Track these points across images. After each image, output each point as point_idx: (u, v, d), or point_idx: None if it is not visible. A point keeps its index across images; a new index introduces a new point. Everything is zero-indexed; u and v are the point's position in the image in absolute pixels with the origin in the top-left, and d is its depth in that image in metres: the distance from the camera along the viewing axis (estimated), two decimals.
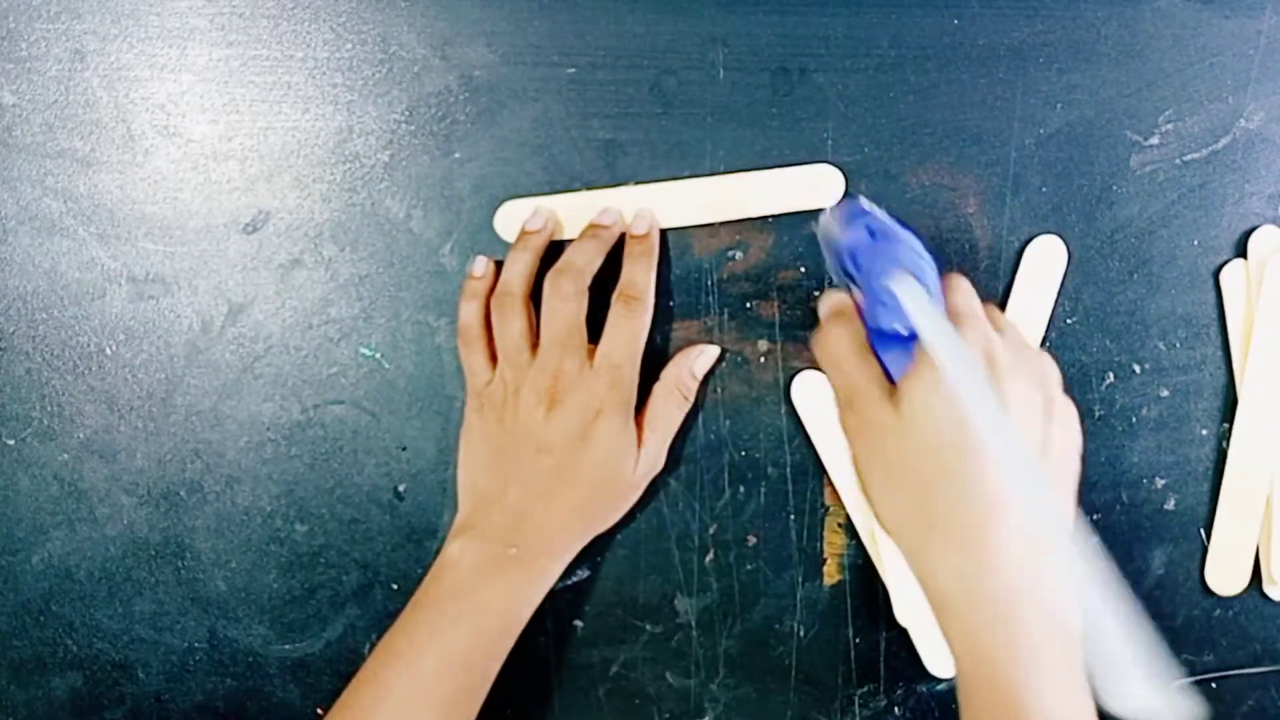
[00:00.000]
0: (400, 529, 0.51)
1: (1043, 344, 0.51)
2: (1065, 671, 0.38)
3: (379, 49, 0.49)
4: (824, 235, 0.46)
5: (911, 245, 0.42)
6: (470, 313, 0.49)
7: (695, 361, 0.50)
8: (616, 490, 0.49)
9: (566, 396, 0.46)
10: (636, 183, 0.49)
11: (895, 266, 0.41)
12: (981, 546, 0.39)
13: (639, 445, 0.48)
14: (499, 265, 0.49)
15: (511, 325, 0.47)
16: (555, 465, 0.46)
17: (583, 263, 0.47)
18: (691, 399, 0.50)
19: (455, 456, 0.50)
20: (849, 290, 0.45)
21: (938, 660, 0.51)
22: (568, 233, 0.50)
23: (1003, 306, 0.50)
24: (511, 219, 0.49)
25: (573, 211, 0.49)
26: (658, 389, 0.49)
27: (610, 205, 0.49)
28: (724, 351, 0.50)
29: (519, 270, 0.48)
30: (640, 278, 0.48)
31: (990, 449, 0.38)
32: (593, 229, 0.48)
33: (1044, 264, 0.50)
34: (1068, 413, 0.43)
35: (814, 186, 0.49)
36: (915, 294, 0.40)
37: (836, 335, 0.44)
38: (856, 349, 0.43)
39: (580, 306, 0.47)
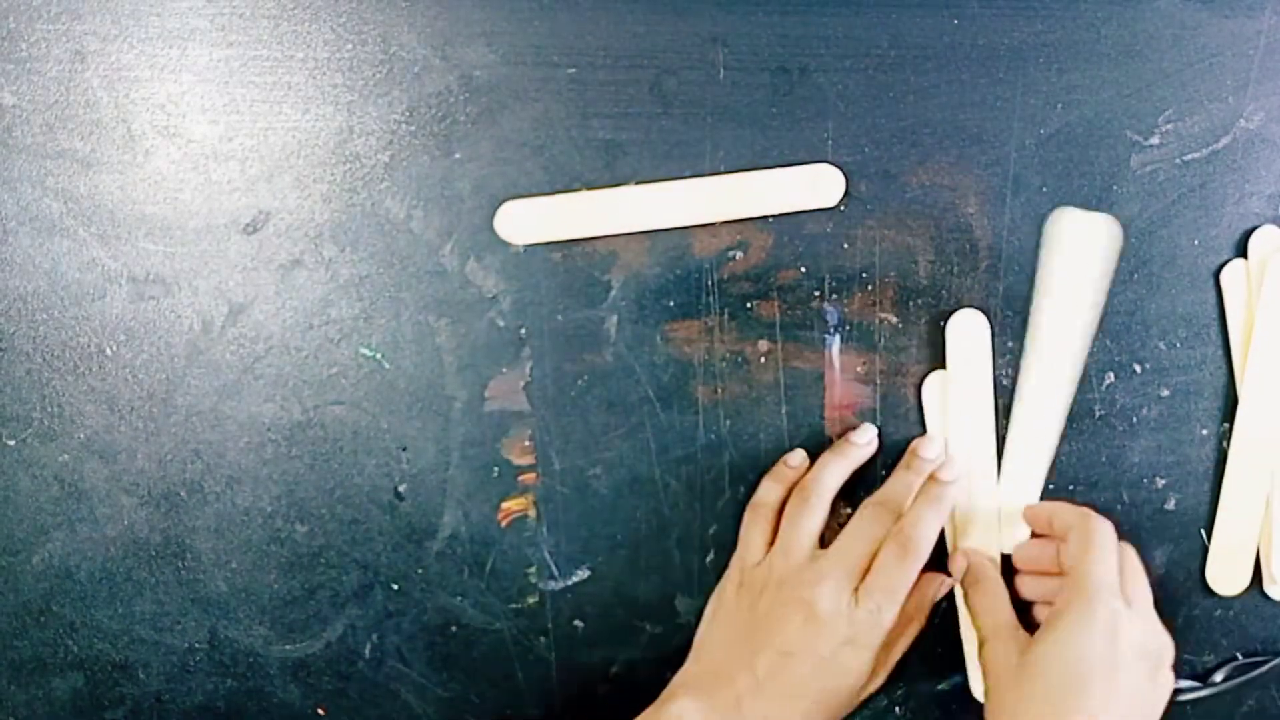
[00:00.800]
0: (400, 529, 0.51)
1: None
2: None
3: (379, 49, 0.49)
4: None
5: None
6: (771, 490, 0.50)
7: (934, 589, 0.50)
8: (837, 713, 0.48)
9: (827, 617, 0.46)
10: (637, 182, 0.49)
11: None
12: None
13: (871, 677, 0.48)
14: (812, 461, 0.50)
15: (811, 519, 0.48)
16: (794, 673, 0.46)
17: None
18: (922, 622, 0.50)
19: (452, 460, 0.50)
20: None
21: None
22: (570, 233, 0.50)
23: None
24: (512, 219, 0.49)
25: (573, 211, 0.49)
26: (899, 617, 0.48)
27: (938, 446, 0.50)
28: (728, 353, 0.50)
29: (836, 473, 0.49)
30: (929, 525, 0.48)
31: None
32: (916, 461, 0.50)
33: (1100, 247, 0.50)
34: (1165, 686, 0.46)
35: (814, 186, 0.49)
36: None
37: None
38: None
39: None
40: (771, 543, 0.49)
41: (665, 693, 0.47)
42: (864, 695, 0.49)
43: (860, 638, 0.46)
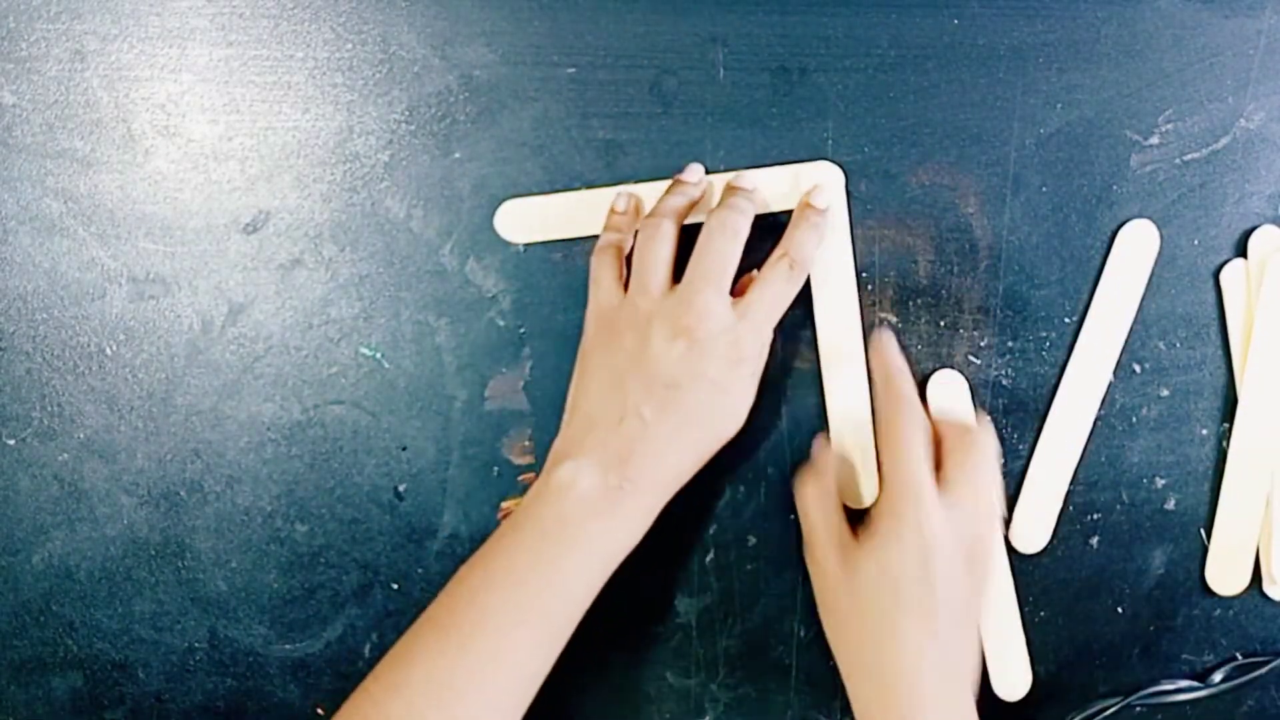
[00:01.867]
0: (400, 529, 0.51)
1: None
2: None
3: (379, 49, 0.49)
4: None
5: None
6: (611, 237, 0.48)
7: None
8: (726, 437, 0.47)
9: (709, 338, 0.45)
10: (637, 182, 0.49)
11: None
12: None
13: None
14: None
15: (660, 250, 0.46)
16: (684, 404, 0.45)
17: (745, 206, 0.47)
18: (800, 275, 0.48)
19: (452, 460, 0.50)
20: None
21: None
22: (570, 232, 0.50)
23: (1090, 296, 0.51)
24: (512, 219, 0.49)
25: (573, 211, 0.49)
26: (764, 272, 0.47)
27: (696, 171, 0.49)
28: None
29: (677, 204, 0.47)
30: (810, 246, 0.47)
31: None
32: (682, 186, 0.48)
33: (1136, 252, 0.50)
34: (982, 567, 0.47)
35: (815, 184, 0.49)
36: None
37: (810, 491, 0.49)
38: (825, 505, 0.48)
39: (737, 249, 0.46)
40: (622, 284, 0.47)
41: (549, 460, 0.46)
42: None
43: (747, 355, 0.45)
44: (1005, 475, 0.51)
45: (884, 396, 0.49)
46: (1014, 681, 0.52)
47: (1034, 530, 0.51)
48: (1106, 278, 0.50)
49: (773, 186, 0.49)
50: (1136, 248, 0.50)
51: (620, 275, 0.48)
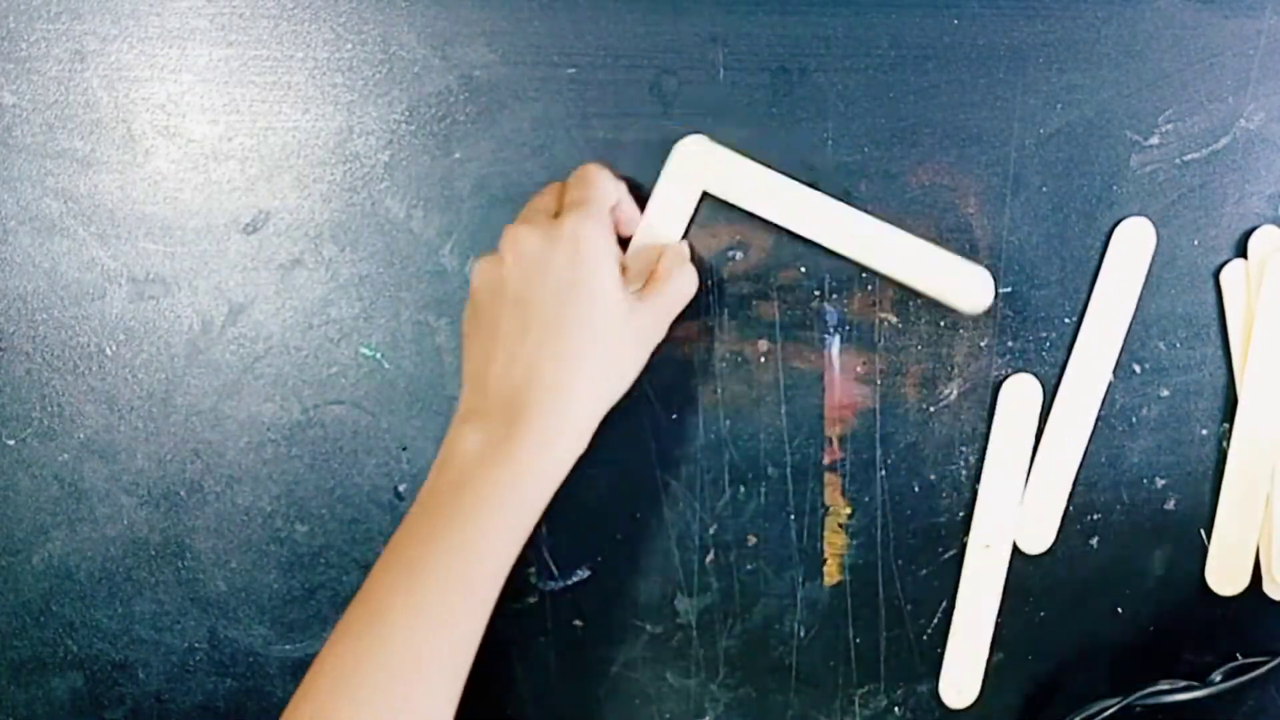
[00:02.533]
0: None
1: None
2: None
3: (379, 49, 0.49)
4: None
5: None
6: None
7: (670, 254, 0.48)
8: (612, 338, 0.44)
9: (535, 250, 0.43)
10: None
11: None
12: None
13: (624, 276, 0.45)
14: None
15: (547, 199, 0.47)
16: (540, 315, 0.43)
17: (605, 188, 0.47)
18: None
19: None
20: None
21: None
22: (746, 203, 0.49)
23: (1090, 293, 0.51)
24: (692, 156, 0.49)
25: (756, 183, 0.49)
26: (666, 252, 0.48)
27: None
28: (728, 353, 0.50)
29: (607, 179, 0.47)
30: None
31: None
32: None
33: (1132, 250, 0.50)
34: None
35: (964, 285, 0.49)
36: None
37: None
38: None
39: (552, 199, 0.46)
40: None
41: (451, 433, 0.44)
42: (647, 333, 0.46)
43: (580, 249, 0.43)
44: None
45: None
46: (962, 689, 0.52)
47: (1039, 531, 0.51)
48: (1104, 276, 0.50)
49: (926, 266, 0.49)
50: (1133, 246, 0.50)
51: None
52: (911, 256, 0.48)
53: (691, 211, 0.49)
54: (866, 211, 0.49)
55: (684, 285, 0.48)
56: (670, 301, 0.47)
